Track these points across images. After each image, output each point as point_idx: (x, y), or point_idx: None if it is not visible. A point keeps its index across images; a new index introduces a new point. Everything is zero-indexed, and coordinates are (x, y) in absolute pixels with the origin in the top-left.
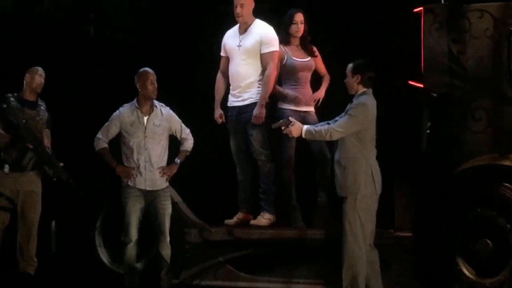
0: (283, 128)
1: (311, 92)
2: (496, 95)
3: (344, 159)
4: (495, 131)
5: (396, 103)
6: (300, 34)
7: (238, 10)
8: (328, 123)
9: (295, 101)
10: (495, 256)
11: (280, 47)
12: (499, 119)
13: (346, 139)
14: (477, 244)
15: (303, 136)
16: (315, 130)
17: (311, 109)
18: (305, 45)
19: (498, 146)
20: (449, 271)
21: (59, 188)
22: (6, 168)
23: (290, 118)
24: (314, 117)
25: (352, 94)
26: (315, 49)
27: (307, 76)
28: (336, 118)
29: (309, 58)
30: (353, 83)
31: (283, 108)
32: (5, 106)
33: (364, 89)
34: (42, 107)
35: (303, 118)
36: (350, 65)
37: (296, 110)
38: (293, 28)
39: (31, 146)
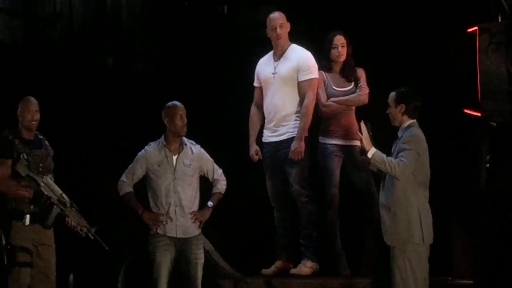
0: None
1: (356, 123)
2: None
3: (393, 203)
4: None
5: (450, 135)
6: (342, 58)
7: (278, 31)
8: None
9: (339, 134)
10: None
11: (321, 74)
12: None
13: (395, 179)
14: None
15: (370, 155)
16: (385, 157)
17: (357, 143)
18: (348, 71)
19: None
20: None
21: (76, 240)
22: (27, 219)
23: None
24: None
25: (396, 126)
26: (360, 72)
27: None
28: None
29: (352, 85)
30: (397, 113)
31: (326, 143)
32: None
33: (410, 121)
34: (47, 144)
35: (350, 154)
36: (393, 94)
37: (340, 145)
38: (333, 52)
39: (55, 202)
